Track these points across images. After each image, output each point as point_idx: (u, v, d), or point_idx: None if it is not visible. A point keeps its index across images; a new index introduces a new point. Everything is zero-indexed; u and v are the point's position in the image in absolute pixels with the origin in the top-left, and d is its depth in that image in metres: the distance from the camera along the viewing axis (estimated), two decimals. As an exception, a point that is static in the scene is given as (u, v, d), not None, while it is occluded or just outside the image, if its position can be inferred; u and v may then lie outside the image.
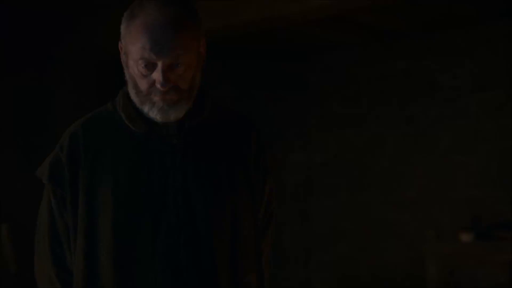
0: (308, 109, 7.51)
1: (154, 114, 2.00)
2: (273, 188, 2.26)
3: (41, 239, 2.14)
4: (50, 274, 2.10)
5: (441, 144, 6.71)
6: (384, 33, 6.75)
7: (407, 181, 6.88)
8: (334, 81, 7.42)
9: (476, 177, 6.47)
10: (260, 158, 2.17)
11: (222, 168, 2.08)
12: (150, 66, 1.96)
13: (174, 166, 2.03)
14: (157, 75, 1.96)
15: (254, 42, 6.85)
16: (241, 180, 2.10)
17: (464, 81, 6.61)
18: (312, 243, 7.47)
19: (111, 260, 2.00)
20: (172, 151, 2.03)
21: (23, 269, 5.42)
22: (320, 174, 7.45)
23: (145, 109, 2.01)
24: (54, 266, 2.09)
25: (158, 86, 1.96)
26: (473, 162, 6.50)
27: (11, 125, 5.84)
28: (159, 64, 1.94)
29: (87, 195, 2.04)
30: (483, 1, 5.85)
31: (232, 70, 7.33)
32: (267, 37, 6.65)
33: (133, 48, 1.97)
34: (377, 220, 7.04)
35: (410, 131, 6.90)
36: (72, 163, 2.07)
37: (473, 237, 5.76)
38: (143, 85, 1.99)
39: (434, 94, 6.77)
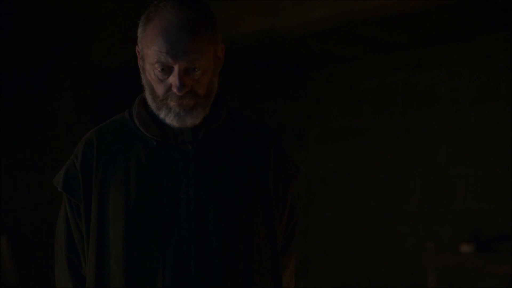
0: (307, 121, 7.51)
1: (170, 119, 1.99)
2: (295, 198, 2.20)
3: (58, 248, 2.13)
4: (67, 284, 2.10)
5: (441, 156, 6.71)
6: (384, 45, 6.76)
7: (407, 193, 6.88)
8: (334, 93, 7.42)
9: (476, 189, 6.47)
10: (280, 168, 2.12)
11: (237, 178, 2.04)
12: (166, 70, 1.94)
13: (187, 175, 2.00)
14: (173, 79, 1.94)
15: (253, 54, 6.86)
16: (257, 191, 2.05)
17: (464, 92, 6.61)
18: (312, 255, 7.46)
19: (122, 269, 1.98)
20: (185, 159, 2.01)
21: (22, 281, 5.42)
22: (320, 186, 7.45)
23: (162, 114, 1.99)
24: (70, 275, 2.09)
25: (175, 90, 1.94)
26: (473, 174, 6.50)
27: (11, 138, 5.84)
28: (176, 68, 1.93)
29: (98, 204, 2.02)
30: (482, 12, 5.87)
31: (231, 82, 7.34)
32: (266, 49, 6.66)
33: (149, 51, 1.95)
34: (377, 232, 7.03)
35: (410, 142, 6.90)
36: (85, 171, 2.05)
37: (473, 249, 5.75)
38: (159, 90, 1.98)
39: (434, 105, 6.77)
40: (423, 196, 6.77)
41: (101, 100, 6.17)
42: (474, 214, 6.40)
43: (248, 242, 2.02)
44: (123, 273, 1.98)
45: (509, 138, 6.30)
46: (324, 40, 6.46)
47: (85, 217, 2.04)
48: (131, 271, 1.98)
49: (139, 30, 2.00)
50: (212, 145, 2.04)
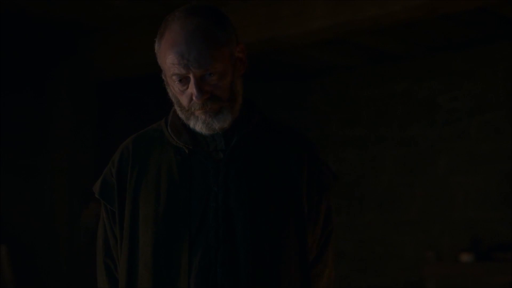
0: (307, 131, 7.52)
1: (199, 127, 2.01)
2: (331, 207, 2.19)
3: (97, 253, 2.18)
4: (105, 287, 2.14)
5: (440, 166, 6.71)
6: (383, 55, 6.78)
7: (407, 203, 6.88)
8: (334, 103, 7.43)
9: (476, 198, 6.47)
10: (314, 176, 2.11)
11: (268, 187, 2.03)
12: (184, 81, 1.97)
13: (217, 184, 2.01)
14: (191, 88, 1.97)
15: (253, 64, 6.86)
16: (288, 200, 2.04)
17: (463, 102, 6.62)
18: (312, 264, 7.45)
19: (150, 274, 2.01)
20: (216, 168, 2.02)
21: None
22: (320, 196, 7.43)
23: (191, 124, 2.01)
24: (107, 279, 2.14)
25: (194, 99, 1.97)
26: (473, 183, 6.50)
27: (11, 146, 5.85)
28: (191, 77, 1.95)
29: (130, 210, 2.06)
30: (482, 23, 5.88)
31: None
32: (266, 59, 6.67)
33: (165, 66, 1.99)
34: (377, 241, 7.03)
35: (409, 152, 6.90)
36: (120, 177, 2.09)
37: (473, 259, 5.75)
38: (184, 101, 2.00)
39: (434, 115, 6.77)
40: (423, 205, 6.77)
41: (101, 108, 6.18)
42: (474, 224, 6.40)
43: (275, 251, 2.01)
44: (151, 278, 2.01)
45: (508, 148, 6.30)
46: (323, 50, 6.47)
47: (119, 223, 2.09)
48: (158, 277, 2.00)
49: (155, 47, 2.03)
50: (243, 153, 2.04)
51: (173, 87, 2.01)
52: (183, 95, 2.00)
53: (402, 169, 6.94)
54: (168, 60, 1.96)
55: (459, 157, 6.60)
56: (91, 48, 5.95)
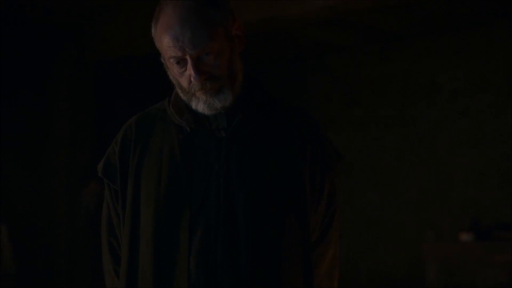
0: (307, 111, 7.51)
1: (201, 108, 2.00)
2: (335, 186, 2.17)
3: (101, 233, 2.19)
4: (109, 267, 2.16)
5: (440, 146, 6.70)
6: (384, 35, 6.75)
7: (407, 183, 6.88)
8: (334, 83, 7.41)
9: (475, 178, 6.47)
10: (317, 155, 2.10)
11: (270, 166, 2.02)
12: (182, 63, 1.97)
13: (219, 162, 2.00)
14: (189, 69, 1.96)
15: (252, 44, 6.85)
16: (290, 179, 2.03)
17: (464, 82, 6.60)
18: (312, 244, 7.46)
19: (151, 253, 2.01)
20: (217, 146, 2.01)
21: (21, 270, 5.42)
22: (319, 176, 7.44)
23: (193, 105, 2.01)
24: (111, 259, 2.15)
25: (193, 80, 1.97)
26: (472, 163, 6.50)
27: (12, 129, 5.84)
28: (188, 58, 1.95)
29: (133, 189, 2.06)
30: (483, 2, 5.86)
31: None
32: (266, 39, 6.65)
33: (162, 49, 1.99)
34: (377, 222, 7.04)
35: (409, 132, 6.90)
36: (123, 156, 2.09)
37: (473, 238, 5.75)
38: (184, 82, 2.00)
39: (434, 95, 6.76)
40: (423, 185, 6.77)
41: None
42: (474, 203, 6.40)
43: (276, 231, 2.00)
44: (152, 257, 2.01)
45: (508, 128, 6.30)
46: (324, 29, 6.45)
47: (122, 202, 2.09)
48: (159, 255, 2.00)
49: (152, 31, 2.03)
50: (245, 132, 2.03)
51: (172, 70, 2.00)
52: (182, 77, 1.99)
53: (402, 149, 6.93)
54: (164, 43, 1.96)
55: (459, 137, 6.60)
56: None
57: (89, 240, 5.80)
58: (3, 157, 5.75)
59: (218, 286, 1.97)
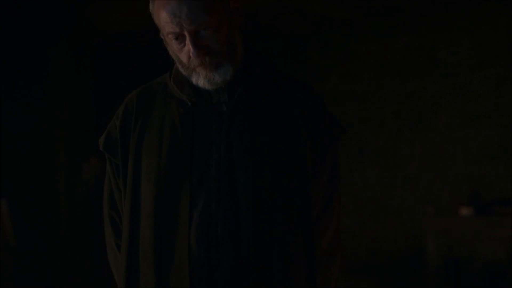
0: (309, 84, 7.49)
1: (202, 83, 2.00)
2: (338, 158, 2.17)
3: (103, 207, 2.20)
4: (111, 241, 2.17)
5: (441, 120, 6.70)
6: (385, 9, 6.72)
7: (407, 157, 6.88)
8: (333, 58, 7.39)
9: (476, 153, 6.48)
10: (319, 127, 2.10)
11: (270, 139, 2.02)
12: (180, 39, 1.97)
13: (220, 136, 2.01)
14: (188, 45, 1.96)
15: (251, 19, 6.82)
16: (292, 152, 2.03)
17: (465, 57, 6.59)
18: (312, 219, 7.48)
19: (152, 226, 2.02)
20: (218, 120, 2.02)
21: (22, 244, 5.43)
22: (319, 150, 7.44)
23: (193, 80, 2.01)
24: (112, 233, 2.17)
25: (191, 55, 1.96)
26: (473, 138, 6.50)
27: (11, 104, 5.83)
28: (186, 34, 1.95)
29: (134, 163, 2.07)
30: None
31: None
32: (265, 14, 6.62)
33: (160, 25, 1.99)
34: (377, 196, 7.05)
35: (410, 107, 6.89)
36: (124, 130, 2.10)
37: (473, 213, 5.77)
38: (183, 58, 2.00)
39: (434, 70, 6.75)
40: (423, 160, 6.78)
41: (99, 70, 6.16)
42: (474, 178, 6.41)
43: (277, 204, 2.01)
44: (152, 230, 2.02)
45: (509, 103, 6.30)
46: (324, 4, 6.42)
47: (123, 176, 2.10)
48: (159, 228, 2.02)
49: (150, 7, 2.03)
50: (247, 105, 2.03)
51: (171, 46, 2.00)
52: (181, 52, 1.99)
53: (402, 124, 6.93)
54: (162, 19, 1.95)
55: (459, 112, 6.60)
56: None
57: (89, 214, 5.81)
58: (3, 132, 5.75)
59: (219, 259, 1.98)
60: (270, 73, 2.11)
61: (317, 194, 2.11)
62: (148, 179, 2.03)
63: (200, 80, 2.00)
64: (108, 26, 6.04)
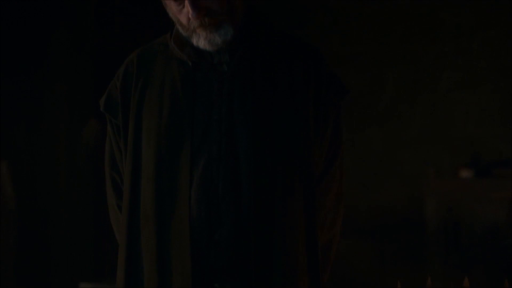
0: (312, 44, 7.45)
1: (202, 44, 1.99)
2: (341, 120, 2.17)
3: (105, 168, 2.19)
4: (112, 202, 2.18)
5: (442, 82, 6.68)
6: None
7: (408, 119, 6.87)
8: (333, 19, 7.34)
9: (477, 115, 6.47)
10: (322, 88, 2.09)
11: (272, 100, 2.01)
12: (179, 0, 1.96)
13: (221, 96, 1.99)
14: (187, 6, 1.94)
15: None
16: (294, 112, 2.03)
17: (467, 18, 6.55)
18: (312, 181, 7.48)
19: (152, 188, 2.02)
20: (220, 80, 2.00)
21: (22, 207, 5.44)
22: (320, 113, 7.42)
23: (194, 41, 2.00)
24: (113, 194, 2.17)
25: (190, 17, 1.94)
26: (474, 100, 6.49)
27: (10, 59, 5.80)
28: None
29: (134, 124, 2.06)
30: None
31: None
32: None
33: None
34: (377, 158, 7.05)
35: (411, 68, 6.87)
36: (124, 91, 2.09)
37: (473, 174, 5.77)
38: (183, 19, 1.99)
39: (435, 31, 6.71)
40: (424, 122, 6.77)
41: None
42: (475, 140, 6.41)
43: (279, 164, 2.00)
44: (153, 191, 2.02)
45: (510, 65, 6.27)
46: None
47: (124, 137, 2.09)
48: (160, 189, 2.02)
49: None
50: (248, 65, 2.02)
51: (171, 7, 1.99)
52: (181, 14, 1.98)
53: (403, 86, 6.91)
54: None
55: (461, 74, 6.57)
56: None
57: (88, 176, 5.81)
58: (2, 93, 5.73)
59: (219, 219, 1.98)
60: (271, 33, 2.09)
61: (319, 156, 2.10)
62: (149, 140, 2.02)
63: (200, 41, 1.98)
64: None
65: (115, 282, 2.11)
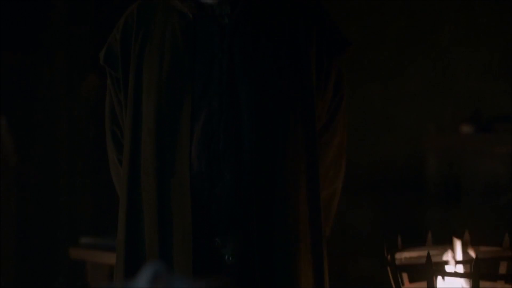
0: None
1: None
2: (343, 72, 2.16)
3: (105, 121, 2.19)
4: (113, 156, 2.16)
5: (443, 37, 6.64)
6: None
7: (408, 74, 6.85)
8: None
9: (477, 70, 6.44)
10: (323, 40, 2.07)
11: (274, 52, 2.00)
12: None
13: (222, 49, 1.97)
14: None
15: None
16: (295, 65, 2.01)
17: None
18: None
19: (153, 141, 2.01)
20: (220, 33, 1.98)
21: (22, 162, 5.44)
22: (320, 68, 7.40)
23: None
24: (114, 148, 2.16)
25: None
26: (475, 55, 6.46)
27: (9, 14, 5.76)
28: None
29: (134, 77, 2.05)
30: None
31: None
32: None
33: None
34: (378, 113, 7.03)
35: (412, 23, 6.82)
36: (124, 43, 2.07)
37: (474, 130, 5.77)
38: None
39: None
40: (425, 77, 6.74)
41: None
42: (476, 95, 6.39)
43: (281, 117, 1.99)
44: (154, 145, 2.00)
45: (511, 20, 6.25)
46: None
47: (124, 90, 2.07)
48: (161, 143, 2.00)
49: None
50: (249, 17, 1.99)
51: None
52: None
53: (404, 40, 6.87)
54: None
55: (462, 28, 6.54)
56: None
57: (88, 131, 5.80)
58: (2, 51, 5.70)
59: (220, 173, 1.97)
60: None
61: (322, 108, 2.09)
62: (149, 93, 2.01)
63: None
64: None
65: (115, 236, 2.10)
